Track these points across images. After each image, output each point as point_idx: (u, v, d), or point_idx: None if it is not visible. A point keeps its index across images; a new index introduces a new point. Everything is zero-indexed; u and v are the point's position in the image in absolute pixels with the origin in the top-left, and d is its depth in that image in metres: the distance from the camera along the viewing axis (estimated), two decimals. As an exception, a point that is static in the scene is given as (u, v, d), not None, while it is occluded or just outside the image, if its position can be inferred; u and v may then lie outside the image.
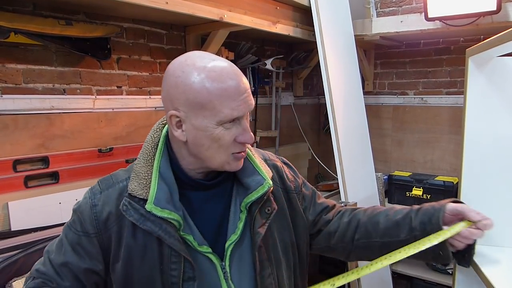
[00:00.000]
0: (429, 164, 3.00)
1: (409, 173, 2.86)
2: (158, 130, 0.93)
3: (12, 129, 1.55)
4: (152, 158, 0.89)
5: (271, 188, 0.93)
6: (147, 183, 0.86)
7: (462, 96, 1.73)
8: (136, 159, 0.92)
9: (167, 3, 1.65)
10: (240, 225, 0.91)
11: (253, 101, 0.87)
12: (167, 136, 0.93)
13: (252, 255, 0.91)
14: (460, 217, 0.96)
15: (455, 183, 2.57)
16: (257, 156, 0.99)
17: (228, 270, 0.90)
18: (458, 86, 2.84)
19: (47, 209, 1.63)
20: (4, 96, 1.53)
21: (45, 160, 1.65)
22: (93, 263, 0.88)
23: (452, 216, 0.97)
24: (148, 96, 2.03)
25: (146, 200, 0.84)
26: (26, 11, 1.56)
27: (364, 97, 2.72)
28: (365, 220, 1.05)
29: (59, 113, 1.69)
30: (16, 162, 1.57)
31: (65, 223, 0.95)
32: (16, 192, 1.56)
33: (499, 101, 1.64)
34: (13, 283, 1.32)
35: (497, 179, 1.68)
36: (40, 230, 1.57)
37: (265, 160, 1.03)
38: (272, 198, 0.95)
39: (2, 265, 1.33)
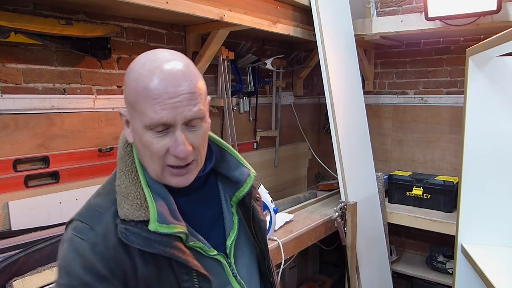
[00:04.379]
0: (429, 163, 3.00)
1: (409, 173, 2.86)
2: (127, 143, 0.84)
3: (12, 129, 1.55)
4: (136, 174, 0.80)
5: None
6: (142, 202, 0.77)
7: (462, 95, 1.73)
8: (107, 180, 0.85)
9: (167, 2, 1.65)
10: (236, 220, 0.90)
11: (194, 110, 0.74)
12: None
13: (262, 244, 0.92)
14: None
15: (455, 182, 2.57)
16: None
17: (234, 267, 0.89)
18: (458, 85, 2.84)
19: (47, 208, 1.63)
20: (4, 95, 1.53)
21: (45, 160, 1.65)
22: None
23: None
24: (148, 96, 2.03)
25: (145, 221, 0.75)
26: (26, 10, 1.56)
27: (364, 97, 2.72)
28: None
29: (59, 112, 1.69)
30: (16, 162, 1.56)
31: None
32: (16, 191, 1.56)
33: (499, 100, 1.65)
34: (13, 283, 1.32)
35: (497, 179, 1.68)
36: (40, 230, 1.57)
37: None
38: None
39: (2, 265, 1.33)
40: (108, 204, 0.80)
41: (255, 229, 0.92)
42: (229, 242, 0.88)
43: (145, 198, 0.78)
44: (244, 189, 0.89)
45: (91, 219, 0.78)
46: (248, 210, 0.91)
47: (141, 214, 0.76)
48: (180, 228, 0.77)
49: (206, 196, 0.90)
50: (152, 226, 0.75)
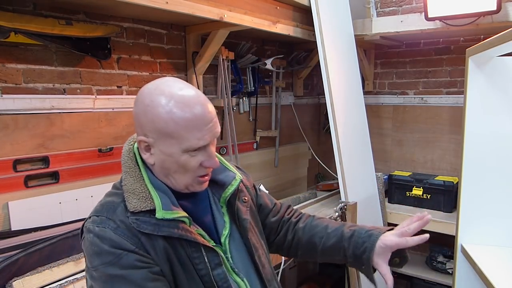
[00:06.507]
0: (429, 163, 3.00)
1: (409, 173, 2.86)
2: (130, 150, 0.95)
3: (12, 129, 1.55)
4: (140, 175, 0.91)
5: (242, 180, 1.04)
6: (147, 195, 0.88)
7: (462, 96, 1.72)
8: (112, 186, 0.96)
9: (167, 3, 1.65)
10: (226, 219, 1.00)
11: (219, 129, 0.91)
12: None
13: (246, 240, 1.01)
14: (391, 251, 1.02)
15: (455, 182, 2.57)
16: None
17: (232, 261, 0.97)
18: (458, 86, 2.84)
19: (47, 209, 1.63)
20: (4, 96, 1.53)
21: (45, 160, 1.65)
22: (158, 267, 0.86)
23: (383, 250, 1.02)
24: (148, 96, 2.03)
25: (151, 210, 0.86)
26: (26, 11, 1.56)
27: (364, 97, 2.72)
28: (304, 241, 1.15)
29: (59, 113, 1.69)
30: (16, 162, 1.56)
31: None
32: (16, 192, 1.56)
33: (499, 100, 1.64)
34: (13, 283, 1.32)
35: (497, 179, 1.68)
36: (40, 230, 1.57)
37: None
38: (244, 189, 1.07)
39: (2, 265, 1.33)
40: (118, 201, 0.90)
41: (240, 228, 1.01)
42: (222, 239, 0.97)
43: (149, 192, 0.89)
44: (229, 190, 1.00)
45: (106, 212, 0.88)
46: (233, 210, 1.01)
47: (147, 205, 0.87)
48: (182, 213, 0.88)
49: (200, 197, 0.99)
50: (159, 214, 0.86)
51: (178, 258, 0.88)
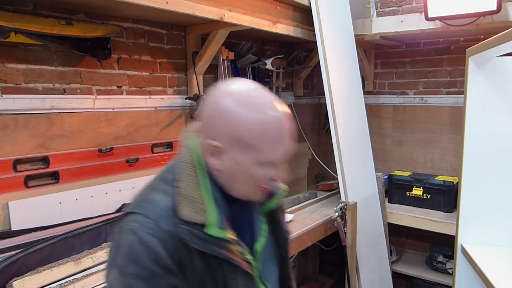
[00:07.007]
0: (429, 163, 3.00)
1: (409, 173, 2.86)
2: (189, 151, 0.89)
3: (12, 129, 1.55)
4: (198, 182, 0.85)
5: None
6: (203, 207, 0.82)
7: (462, 95, 1.73)
8: (160, 177, 0.90)
9: (167, 3, 1.65)
10: (265, 227, 0.97)
11: (294, 144, 0.86)
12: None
13: (283, 251, 1.03)
14: None
15: (455, 182, 2.57)
16: None
17: (261, 270, 0.95)
18: (458, 86, 2.84)
19: (47, 209, 1.63)
20: (4, 96, 1.53)
21: (45, 160, 1.65)
22: None
23: None
24: (148, 96, 2.03)
25: (201, 224, 0.81)
26: (26, 10, 1.56)
27: (364, 97, 2.72)
28: None
29: (59, 113, 1.69)
30: (16, 162, 1.56)
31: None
32: (16, 192, 1.56)
33: (499, 101, 1.65)
34: (13, 283, 1.32)
35: (497, 179, 1.68)
36: (40, 230, 1.57)
37: None
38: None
39: (2, 265, 1.33)
40: (169, 203, 0.83)
41: (280, 238, 1.01)
42: (258, 246, 0.94)
43: (205, 204, 0.83)
44: (276, 201, 0.98)
45: (155, 216, 0.82)
46: (276, 220, 1.01)
47: (201, 218, 0.81)
48: (231, 234, 0.85)
49: (244, 204, 0.95)
50: (212, 231, 0.81)
51: (213, 280, 0.85)
